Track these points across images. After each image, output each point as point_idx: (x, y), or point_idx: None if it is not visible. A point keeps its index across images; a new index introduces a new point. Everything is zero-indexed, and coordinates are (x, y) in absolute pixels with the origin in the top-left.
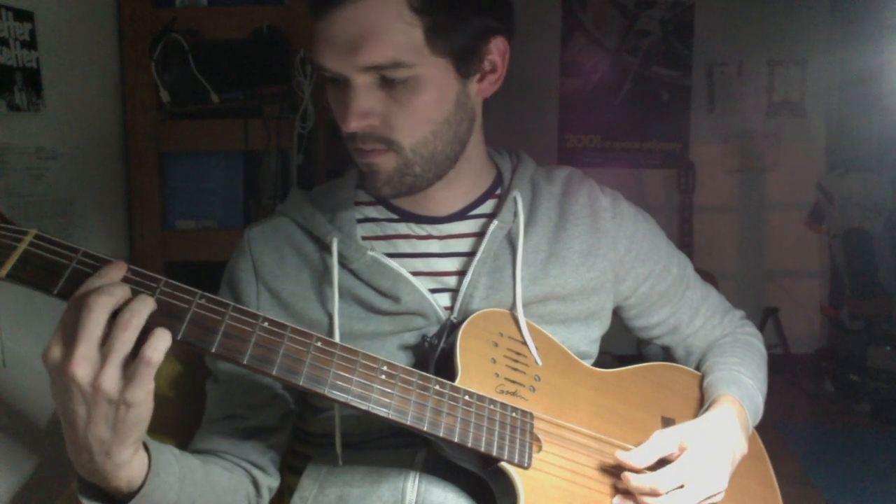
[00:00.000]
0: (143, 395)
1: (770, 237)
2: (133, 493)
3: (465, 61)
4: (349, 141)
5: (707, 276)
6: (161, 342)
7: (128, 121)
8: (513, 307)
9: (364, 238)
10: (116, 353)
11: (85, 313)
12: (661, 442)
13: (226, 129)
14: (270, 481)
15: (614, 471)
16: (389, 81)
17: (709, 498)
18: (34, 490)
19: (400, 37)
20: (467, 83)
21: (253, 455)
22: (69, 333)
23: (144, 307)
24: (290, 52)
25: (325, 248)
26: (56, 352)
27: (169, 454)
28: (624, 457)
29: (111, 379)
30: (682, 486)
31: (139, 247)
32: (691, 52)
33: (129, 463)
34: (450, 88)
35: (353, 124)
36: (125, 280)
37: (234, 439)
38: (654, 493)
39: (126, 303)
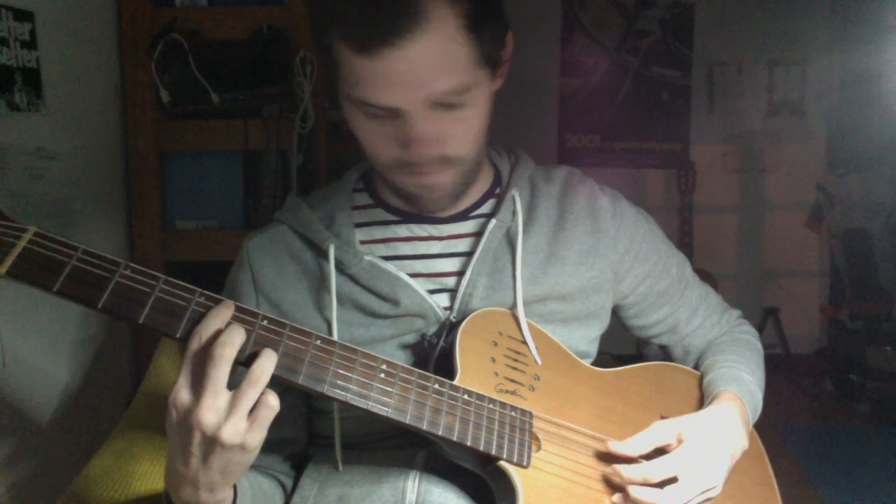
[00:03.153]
0: (259, 440)
1: (770, 237)
2: None
3: (498, 65)
4: (396, 168)
5: (707, 276)
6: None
7: (128, 121)
8: (513, 307)
9: (363, 242)
10: (242, 405)
11: (211, 366)
12: (658, 431)
13: (226, 129)
14: (291, 484)
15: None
16: (445, 103)
17: (704, 493)
18: (34, 490)
19: (462, 61)
20: (493, 84)
21: (278, 465)
22: (196, 381)
23: (269, 363)
24: (290, 52)
25: (323, 255)
26: (184, 397)
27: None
28: (618, 446)
29: (236, 430)
30: (675, 479)
31: (139, 247)
32: (691, 52)
33: (228, 497)
34: (489, 95)
35: (426, 151)
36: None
37: (261, 452)
38: (646, 482)
39: (251, 359)
